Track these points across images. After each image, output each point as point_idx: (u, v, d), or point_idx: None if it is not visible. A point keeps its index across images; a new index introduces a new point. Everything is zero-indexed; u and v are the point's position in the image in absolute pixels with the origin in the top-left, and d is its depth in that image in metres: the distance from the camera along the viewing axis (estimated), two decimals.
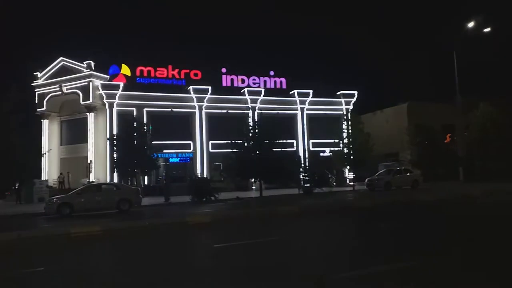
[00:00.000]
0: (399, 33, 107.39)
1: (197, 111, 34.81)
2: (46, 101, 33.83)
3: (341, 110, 38.07)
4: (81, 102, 32.34)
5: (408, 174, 29.85)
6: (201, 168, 33.95)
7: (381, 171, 30.99)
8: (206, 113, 35.09)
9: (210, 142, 34.84)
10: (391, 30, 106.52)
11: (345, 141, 31.91)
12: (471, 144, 35.45)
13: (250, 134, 26.78)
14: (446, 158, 32.80)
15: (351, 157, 31.39)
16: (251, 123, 28.10)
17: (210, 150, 34.85)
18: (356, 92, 39.32)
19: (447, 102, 39.24)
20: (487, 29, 32.41)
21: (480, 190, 21.01)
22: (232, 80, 36.91)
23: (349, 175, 35.73)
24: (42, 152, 30.96)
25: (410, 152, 34.34)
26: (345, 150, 31.88)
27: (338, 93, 39.05)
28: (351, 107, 38.65)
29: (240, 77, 37.10)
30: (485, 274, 6.18)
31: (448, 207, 16.11)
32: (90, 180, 30.13)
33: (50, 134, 34.90)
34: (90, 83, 32.21)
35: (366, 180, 29.65)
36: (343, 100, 38.86)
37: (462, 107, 34.13)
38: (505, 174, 32.35)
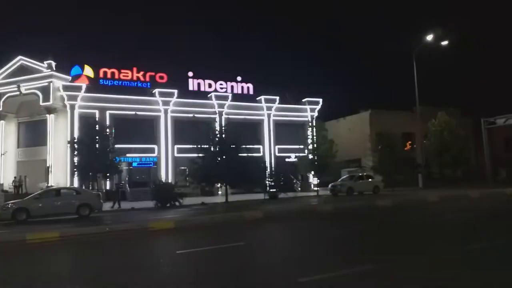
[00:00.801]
0: (363, 43, 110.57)
1: (162, 114, 34.34)
2: (3, 102, 32.39)
3: (306, 116, 38.83)
4: (41, 103, 31.17)
5: (369, 180, 30.66)
6: (166, 173, 33.49)
7: (344, 177, 31.75)
8: (171, 117, 34.67)
9: (176, 146, 34.43)
10: (356, 39, 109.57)
11: (310, 147, 32.44)
12: (429, 151, 36.99)
13: (217, 139, 26.73)
14: (406, 165, 34.00)
15: (316, 163, 31.93)
16: (217, 128, 28.01)
17: (175, 155, 34.43)
18: (320, 100, 40.13)
19: (407, 110, 40.82)
20: (445, 42, 34.03)
21: (436, 196, 21.96)
22: (198, 84, 36.70)
23: (314, 180, 36.31)
24: None
25: (372, 159, 35.33)
26: (310, 156, 32.39)
27: (303, 100, 39.71)
28: (316, 114, 39.42)
29: (207, 81, 36.96)
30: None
31: (401, 213, 16.73)
32: (49, 184, 29.06)
33: (6, 135, 33.44)
34: (51, 84, 31.12)
35: (330, 185, 30.28)
36: (308, 107, 39.56)
37: (421, 116, 35.55)
38: (461, 180, 33.95)
